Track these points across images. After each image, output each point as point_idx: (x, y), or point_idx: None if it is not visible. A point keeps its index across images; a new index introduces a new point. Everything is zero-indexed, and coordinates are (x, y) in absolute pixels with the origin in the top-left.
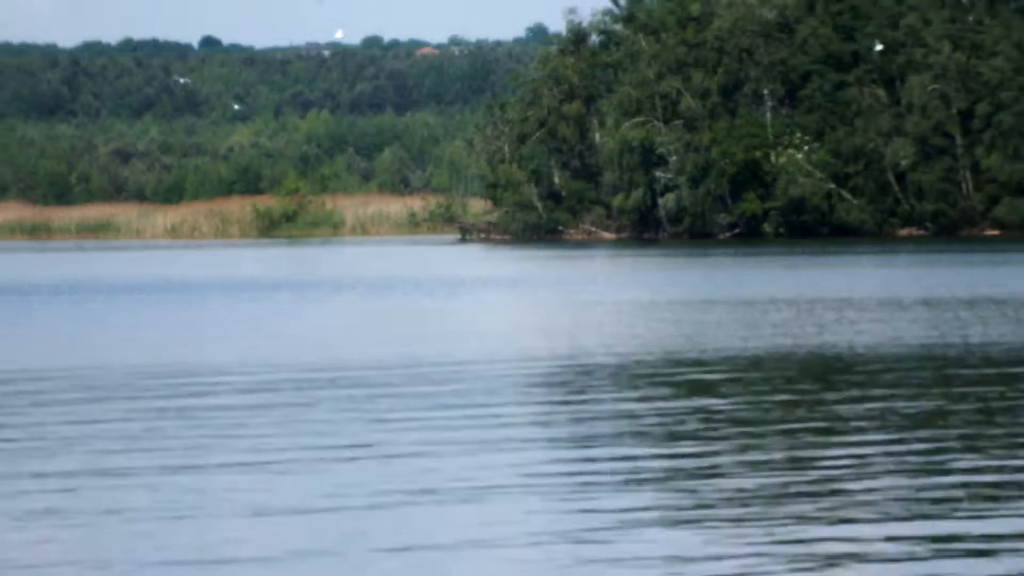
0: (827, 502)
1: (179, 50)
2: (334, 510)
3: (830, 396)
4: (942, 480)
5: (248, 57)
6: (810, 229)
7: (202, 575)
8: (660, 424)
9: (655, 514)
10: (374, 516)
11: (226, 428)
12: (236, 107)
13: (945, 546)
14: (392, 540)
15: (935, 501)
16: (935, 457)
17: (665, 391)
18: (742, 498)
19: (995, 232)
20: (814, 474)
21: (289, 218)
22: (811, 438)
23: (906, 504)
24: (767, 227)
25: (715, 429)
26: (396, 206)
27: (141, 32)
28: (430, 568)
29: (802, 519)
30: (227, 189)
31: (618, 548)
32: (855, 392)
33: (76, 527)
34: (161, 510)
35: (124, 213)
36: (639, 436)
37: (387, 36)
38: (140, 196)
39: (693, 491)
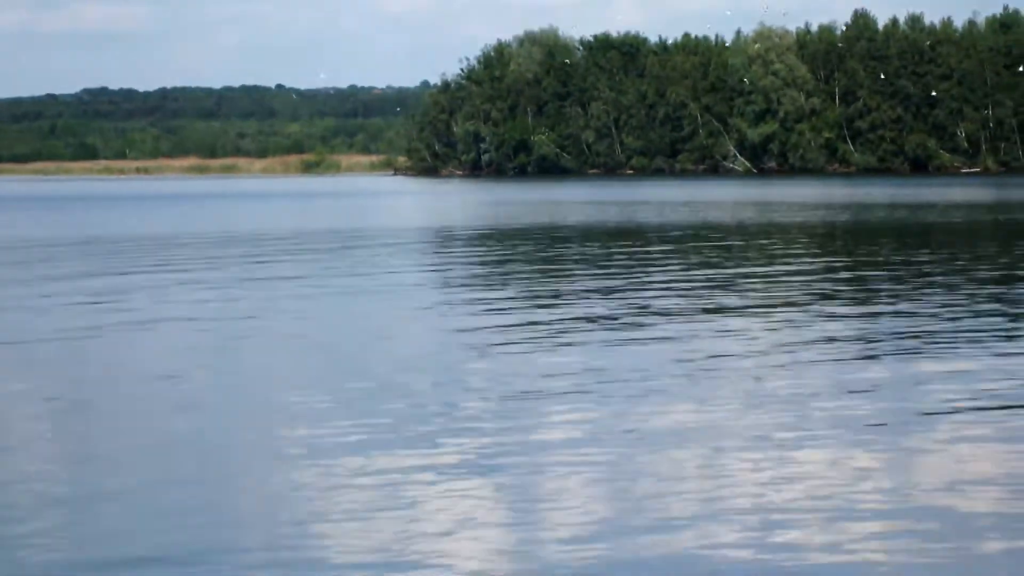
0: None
1: None
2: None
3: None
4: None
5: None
6: (548, 170)
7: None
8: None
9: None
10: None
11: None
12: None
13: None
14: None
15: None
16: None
17: (488, 246)
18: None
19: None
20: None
21: (317, 164)
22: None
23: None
24: (529, 170)
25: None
26: (366, 160)
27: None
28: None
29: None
30: (287, 151)
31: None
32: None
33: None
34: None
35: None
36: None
37: (364, 82)
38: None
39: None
